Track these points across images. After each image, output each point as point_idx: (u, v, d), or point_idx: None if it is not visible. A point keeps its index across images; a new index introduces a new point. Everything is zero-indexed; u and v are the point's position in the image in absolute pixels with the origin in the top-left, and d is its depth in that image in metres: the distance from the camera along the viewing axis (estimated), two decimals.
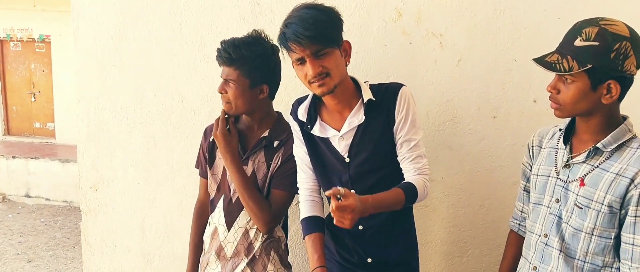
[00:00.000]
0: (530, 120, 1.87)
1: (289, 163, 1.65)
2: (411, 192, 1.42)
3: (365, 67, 1.95)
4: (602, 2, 1.76)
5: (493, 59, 1.87)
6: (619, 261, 1.25)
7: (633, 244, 1.20)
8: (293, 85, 1.90)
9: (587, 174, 1.25)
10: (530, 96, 1.87)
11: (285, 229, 1.79)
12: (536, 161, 1.42)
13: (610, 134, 1.23)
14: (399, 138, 1.50)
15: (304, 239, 1.58)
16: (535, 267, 1.37)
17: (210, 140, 1.76)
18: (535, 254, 1.37)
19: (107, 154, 2.27)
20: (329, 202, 1.28)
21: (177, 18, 2.08)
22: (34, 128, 9.67)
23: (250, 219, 1.67)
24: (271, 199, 1.66)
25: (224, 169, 1.71)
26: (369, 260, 1.60)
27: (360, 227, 1.57)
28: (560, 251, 1.30)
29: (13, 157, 7.68)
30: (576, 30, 1.20)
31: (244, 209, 1.66)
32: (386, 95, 1.51)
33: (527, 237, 1.44)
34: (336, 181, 1.56)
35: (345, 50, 1.48)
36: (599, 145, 1.23)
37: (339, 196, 1.26)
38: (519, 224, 1.55)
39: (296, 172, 1.64)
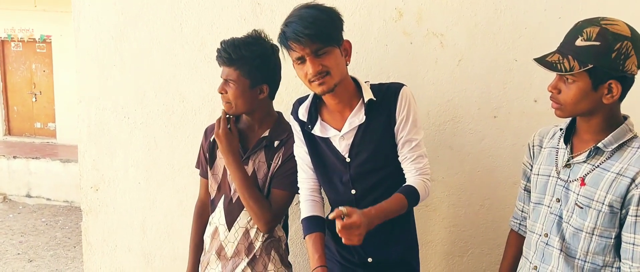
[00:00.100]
0: (531, 120, 1.87)
1: (290, 163, 1.65)
2: (413, 195, 1.44)
3: (366, 67, 1.95)
4: (603, 1, 1.76)
5: (494, 58, 1.87)
6: (620, 261, 1.25)
7: (634, 244, 1.20)
8: (293, 85, 1.90)
9: (588, 173, 1.25)
10: (531, 96, 1.87)
11: (285, 228, 1.79)
12: (537, 161, 1.42)
13: (611, 134, 1.23)
14: (400, 138, 1.50)
15: (304, 238, 1.58)
16: (536, 266, 1.37)
17: (211, 140, 1.76)
18: (536, 254, 1.37)
19: (108, 154, 2.27)
20: (327, 218, 1.27)
21: (178, 18, 2.08)
22: (35, 128, 9.68)
23: (251, 218, 1.67)
24: (271, 198, 1.67)
25: (225, 169, 1.71)
26: (370, 260, 1.60)
27: None
28: (561, 250, 1.30)
29: (14, 157, 7.69)
30: (577, 30, 1.20)
31: (245, 209, 1.66)
32: (387, 95, 1.51)
33: (527, 237, 1.44)
34: (337, 180, 1.56)
35: (346, 49, 1.48)
36: (599, 145, 1.23)
37: (342, 216, 1.27)
38: (520, 224, 1.55)
39: (296, 171, 1.64)
